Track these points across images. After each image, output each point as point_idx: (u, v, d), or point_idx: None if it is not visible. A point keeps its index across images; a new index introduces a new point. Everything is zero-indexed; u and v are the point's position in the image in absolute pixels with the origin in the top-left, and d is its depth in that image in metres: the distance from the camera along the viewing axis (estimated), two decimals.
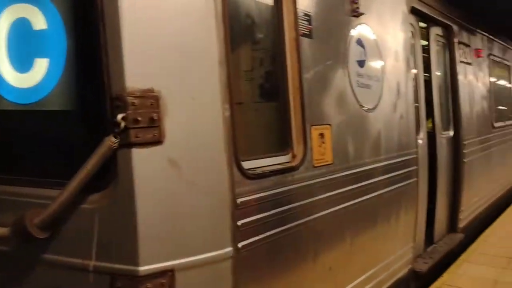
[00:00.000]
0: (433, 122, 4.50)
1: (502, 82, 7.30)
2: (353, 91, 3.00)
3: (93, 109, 2.00)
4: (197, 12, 1.97)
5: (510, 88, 7.61)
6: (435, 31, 4.64)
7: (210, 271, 1.96)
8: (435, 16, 4.47)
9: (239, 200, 2.04)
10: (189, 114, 1.92)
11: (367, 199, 3.15)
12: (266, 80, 2.62)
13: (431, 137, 4.55)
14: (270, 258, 2.29)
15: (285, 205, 2.39)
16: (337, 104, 2.86)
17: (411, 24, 4.26)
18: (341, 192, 2.86)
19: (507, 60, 7.48)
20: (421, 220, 4.21)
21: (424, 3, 4.19)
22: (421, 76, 4.49)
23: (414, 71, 4.40)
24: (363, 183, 3.09)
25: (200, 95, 1.96)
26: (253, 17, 2.48)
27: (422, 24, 4.38)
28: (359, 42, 3.11)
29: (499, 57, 6.96)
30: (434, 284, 3.89)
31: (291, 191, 2.43)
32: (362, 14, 3.06)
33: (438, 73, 4.75)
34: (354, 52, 3.03)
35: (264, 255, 2.23)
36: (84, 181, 1.81)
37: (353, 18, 3.04)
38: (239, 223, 2.04)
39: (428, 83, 4.55)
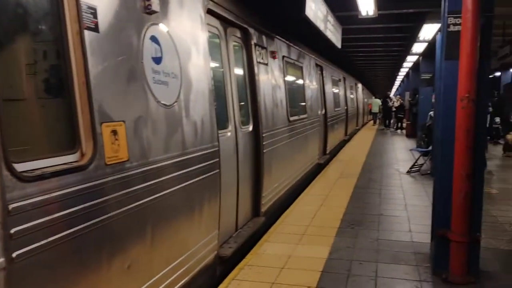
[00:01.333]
0: (234, 118, 4.84)
1: (295, 81, 8.28)
2: (149, 87, 3.03)
3: None
4: None
5: (302, 86, 8.68)
6: (233, 32, 5.00)
7: None
8: (232, 19, 4.80)
9: (11, 206, 1.86)
10: None
11: (169, 193, 3.22)
12: (52, 75, 2.45)
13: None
14: (56, 264, 2.15)
15: (73, 207, 2.27)
16: (132, 101, 2.85)
17: (215, 26, 4.52)
18: (140, 188, 2.87)
19: (300, 62, 8.51)
20: (226, 208, 4.52)
21: (221, 6, 4.47)
22: (228, 75, 4.80)
23: (221, 70, 4.69)
24: (163, 178, 3.16)
25: None
26: (29, 7, 2.29)
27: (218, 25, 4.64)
28: (154, 40, 3.15)
29: (293, 59, 7.88)
30: (238, 266, 4.21)
31: (79, 191, 2.33)
32: (155, 12, 3.10)
33: (237, 72, 5.12)
34: (148, 49, 3.05)
35: (48, 262, 2.08)
36: None
37: (147, 15, 3.06)
38: (13, 231, 1.87)
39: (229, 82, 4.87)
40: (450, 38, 3.81)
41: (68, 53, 2.41)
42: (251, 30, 5.44)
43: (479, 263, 3.96)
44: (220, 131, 4.25)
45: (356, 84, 21.88)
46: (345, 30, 9.33)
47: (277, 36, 6.71)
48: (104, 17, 2.63)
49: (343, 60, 17.27)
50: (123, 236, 2.71)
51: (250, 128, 5.36)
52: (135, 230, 2.85)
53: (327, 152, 11.17)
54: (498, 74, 20.29)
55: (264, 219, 5.50)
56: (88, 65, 2.45)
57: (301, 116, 8.05)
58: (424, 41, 11.05)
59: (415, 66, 17.91)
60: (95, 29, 2.54)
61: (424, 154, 9.55)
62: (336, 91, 13.93)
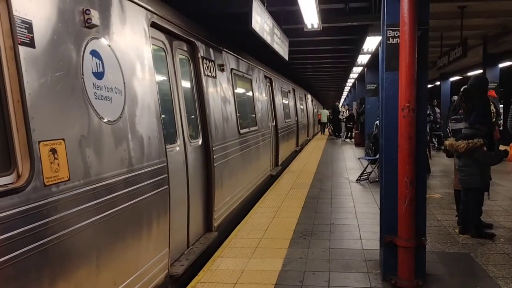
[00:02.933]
0: (182, 132, 4.76)
1: (245, 94, 8.32)
2: (91, 103, 2.93)
3: None
4: None
5: (252, 98, 8.73)
6: (179, 46, 4.95)
7: None
8: (178, 32, 4.76)
9: None
10: None
11: (115, 211, 3.11)
12: None
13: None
14: None
15: (10, 231, 2.15)
16: (72, 118, 2.74)
17: (160, 40, 4.45)
18: (83, 209, 2.75)
19: (249, 75, 8.57)
20: (177, 225, 4.42)
21: (166, 19, 4.42)
22: (175, 89, 4.72)
23: (168, 84, 4.60)
24: (109, 197, 3.05)
25: None
26: None
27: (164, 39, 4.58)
28: (95, 54, 3.05)
29: (242, 72, 7.92)
30: (190, 284, 4.10)
31: (17, 214, 2.21)
32: (95, 25, 3.01)
33: (185, 86, 5.06)
34: (89, 64, 2.95)
35: None
36: None
37: (87, 29, 2.97)
38: None
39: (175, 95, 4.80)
40: (389, 50, 3.96)
41: (1, 69, 2.29)
42: (198, 43, 5.41)
43: (426, 267, 4.10)
44: (168, 146, 4.17)
45: (306, 95, 22.31)
46: (293, 43, 9.49)
47: (225, 49, 6.72)
48: (40, 32, 2.53)
49: (292, 72, 17.60)
50: (66, 259, 2.58)
51: (200, 142, 5.30)
52: (80, 251, 2.72)
53: (279, 163, 11.26)
54: (438, 83, 21.41)
55: (216, 234, 5.43)
56: (23, 82, 2.35)
57: (252, 129, 8.08)
58: (368, 52, 11.46)
59: (361, 77, 18.56)
60: (31, 44, 2.43)
61: (372, 162, 9.84)
62: (286, 102, 14.13)
